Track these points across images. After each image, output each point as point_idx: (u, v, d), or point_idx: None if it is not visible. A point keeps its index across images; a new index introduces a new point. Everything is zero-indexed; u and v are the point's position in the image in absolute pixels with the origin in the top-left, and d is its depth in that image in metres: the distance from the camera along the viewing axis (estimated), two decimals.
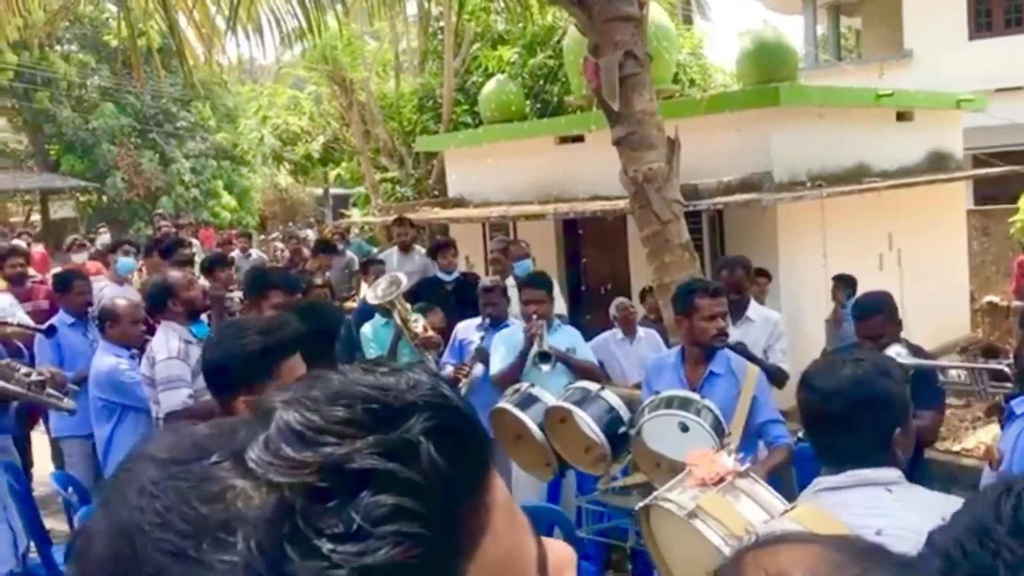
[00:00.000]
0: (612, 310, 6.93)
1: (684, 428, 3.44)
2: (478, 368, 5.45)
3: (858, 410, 1.99)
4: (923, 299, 8.54)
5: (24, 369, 3.51)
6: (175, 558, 0.46)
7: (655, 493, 2.59)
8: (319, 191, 30.22)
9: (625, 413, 3.77)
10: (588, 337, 6.95)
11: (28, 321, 6.05)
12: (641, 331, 6.77)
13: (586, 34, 5.90)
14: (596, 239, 9.71)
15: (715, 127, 8.02)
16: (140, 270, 8.58)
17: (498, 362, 5.14)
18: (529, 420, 3.96)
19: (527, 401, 4.12)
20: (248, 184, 29.28)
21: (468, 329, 5.72)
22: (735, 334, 5.30)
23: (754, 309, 5.51)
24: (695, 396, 3.61)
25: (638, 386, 6.22)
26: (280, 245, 16.52)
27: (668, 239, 5.72)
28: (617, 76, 5.57)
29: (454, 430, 0.51)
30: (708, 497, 2.36)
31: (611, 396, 3.89)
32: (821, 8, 20.33)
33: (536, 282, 5.36)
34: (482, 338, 5.54)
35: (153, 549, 0.46)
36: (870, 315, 4.24)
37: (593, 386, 4.01)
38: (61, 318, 5.91)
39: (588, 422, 3.73)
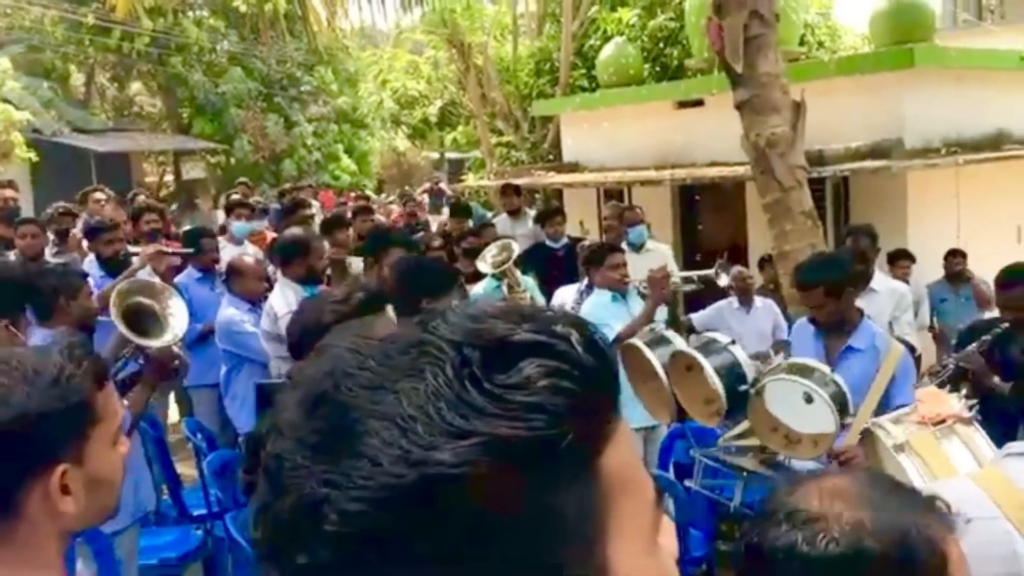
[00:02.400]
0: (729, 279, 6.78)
1: (808, 399, 3.36)
2: None
3: None
4: None
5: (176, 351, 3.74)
6: (372, 390, 0.56)
7: (875, 419, 2.61)
8: (435, 155, 30.60)
9: (750, 372, 3.71)
10: (703, 305, 6.84)
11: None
12: (758, 301, 6.60)
13: None
14: (713, 206, 9.52)
15: (844, 90, 7.70)
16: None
17: (616, 324, 5.07)
18: (656, 361, 3.97)
19: (657, 341, 4.14)
20: (367, 148, 29.85)
21: (567, 293, 5.71)
22: (858, 304, 5.13)
23: (879, 280, 5.31)
24: (824, 368, 3.52)
25: (755, 356, 6.10)
26: (395, 208, 16.78)
27: (790, 206, 5.56)
28: (742, 37, 5.42)
29: (595, 342, 0.60)
30: (921, 435, 2.36)
31: (740, 352, 3.83)
32: None
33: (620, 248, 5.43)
34: (578, 301, 5.50)
35: (354, 384, 0.56)
36: (1015, 284, 4.03)
37: (724, 338, 3.97)
38: (190, 273, 6.21)
39: (711, 372, 3.69)
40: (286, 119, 26.75)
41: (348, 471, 0.53)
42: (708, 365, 3.72)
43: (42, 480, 1.30)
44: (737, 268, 6.89)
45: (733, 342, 3.95)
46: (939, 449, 2.36)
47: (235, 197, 10.37)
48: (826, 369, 3.52)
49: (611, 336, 4.93)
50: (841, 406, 3.33)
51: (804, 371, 3.51)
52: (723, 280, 5.66)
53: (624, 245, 6.75)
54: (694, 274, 5.70)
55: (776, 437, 3.41)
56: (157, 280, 5.02)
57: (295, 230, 5.49)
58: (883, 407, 3.62)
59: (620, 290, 5.26)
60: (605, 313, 5.12)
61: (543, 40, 15.18)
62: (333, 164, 27.92)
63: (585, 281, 5.56)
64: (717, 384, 3.68)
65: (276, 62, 26.69)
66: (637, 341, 4.14)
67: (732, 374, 3.72)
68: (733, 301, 6.65)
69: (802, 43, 10.98)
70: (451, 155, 27.50)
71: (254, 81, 26.18)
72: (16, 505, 1.29)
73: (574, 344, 0.58)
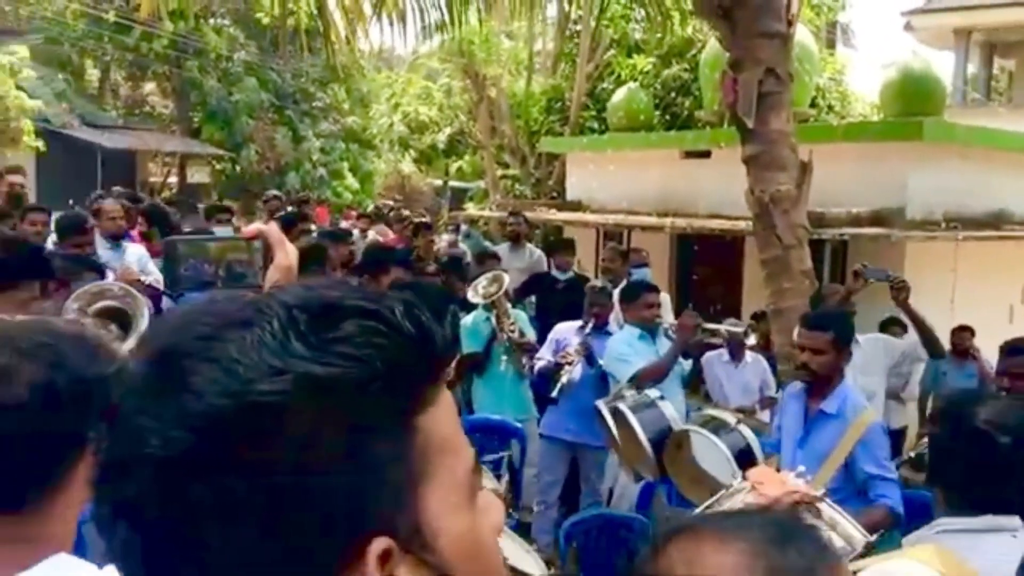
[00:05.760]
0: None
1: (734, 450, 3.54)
2: (578, 368, 5.41)
3: None
4: None
5: None
6: (206, 339, 0.61)
7: (713, 500, 2.57)
8: (439, 182, 30.70)
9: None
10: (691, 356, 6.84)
11: (159, 278, 6.32)
12: (749, 356, 6.60)
13: (728, 48, 5.80)
14: (711, 258, 9.54)
15: (850, 156, 7.77)
16: None
17: (638, 361, 5.01)
18: (643, 434, 3.99)
19: (647, 408, 4.17)
20: (372, 168, 29.96)
21: (567, 330, 5.70)
22: None
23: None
24: (731, 420, 3.70)
25: (740, 410, 6.09)
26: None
27: (789, 264, 5.56)
28: (755, 93, 5.46)
29: (418, 317, 0.65)
30: None
31: (667, 407, 3.94)
32: (974, 46, 19.47)
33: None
34: (582, 340, 5.49)
35: (191, 335, 0.62)
36: (1021, 352, 4.05)
37: (654, 393, 4.08)
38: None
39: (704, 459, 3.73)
40: (295, 133, 26.86)
41: (174, 405, 0.59)
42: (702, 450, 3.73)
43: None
44: (731, 321, 6.90)
45: (662, 397, 4.15)
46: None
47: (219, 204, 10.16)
48: (731, 420, 3.66)
49: (630, 373, 4.88)
50: (739, 455, 3.48)
51: (711, 423, 3.70)
52: (751, 339, 5.71)
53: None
54: (724, 328, 5.71)
55: (700, 488, 3.47)
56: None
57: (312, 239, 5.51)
58: (848, 474, 3.56)
59: (650, 328, 5.27)
60: (629, 349, 5.09)
61: (557, 79, 15.33)
62: (337, 181, 27.99)
63: (592, 322, 5.58)
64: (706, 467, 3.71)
65: (291, 76, 26.86)
66: (626, 410, 4.17)
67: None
68: (723, 354, 6.65)
69: (813, 105, 11.10)
70: (454, 183, 27.61)
71: (267, 92, 26.32)
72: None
73: (396, 312, 0.64)
